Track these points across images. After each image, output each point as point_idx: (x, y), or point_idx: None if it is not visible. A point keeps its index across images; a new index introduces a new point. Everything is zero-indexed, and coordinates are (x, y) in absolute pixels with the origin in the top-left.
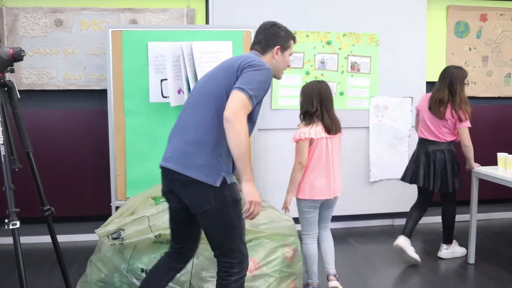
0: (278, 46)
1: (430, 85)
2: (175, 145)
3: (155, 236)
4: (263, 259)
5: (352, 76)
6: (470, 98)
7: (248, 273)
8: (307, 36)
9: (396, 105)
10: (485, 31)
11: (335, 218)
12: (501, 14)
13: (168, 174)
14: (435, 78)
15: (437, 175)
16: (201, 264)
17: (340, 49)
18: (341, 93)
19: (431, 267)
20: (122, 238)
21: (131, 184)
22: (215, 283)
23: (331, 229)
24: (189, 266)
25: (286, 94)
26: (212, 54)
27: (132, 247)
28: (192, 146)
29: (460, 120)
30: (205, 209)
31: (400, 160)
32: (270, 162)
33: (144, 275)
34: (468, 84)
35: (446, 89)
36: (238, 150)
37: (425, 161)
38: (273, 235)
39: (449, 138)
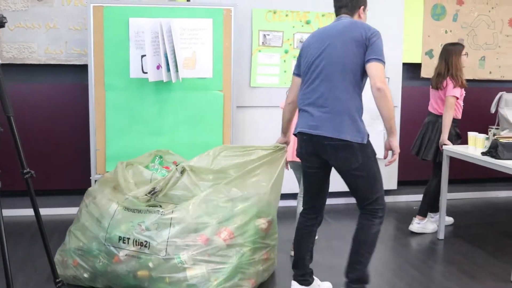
0: (362, 6)
1: (406, 66)
2: (318, 114)
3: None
4: (237, 230)
5: None
6: None
7: (222, 242)
8: (286, 15)
9: None
10: (461, 15)
11: None
12: None
13: (315, 140)
14: (411, 59)
15: (423, 143)
16: (177, 233)
17: (318, 28)
18: None
19: (401, 242)
20: (157, 193)
21: (110, 158)
22: (191, 250)
23: None
24: (165, 235)
25: (265, 72)
26: (193, 31)
27: (111, 216)
28: (340, 113)
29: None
30: (355, 167)
31: (376, 139)
32: (248, 139)
33: (122, 243)
34: (467, 55)
35: (443, 62)
36: (390, 113)
37: (421, 131)
38: (249, 207)
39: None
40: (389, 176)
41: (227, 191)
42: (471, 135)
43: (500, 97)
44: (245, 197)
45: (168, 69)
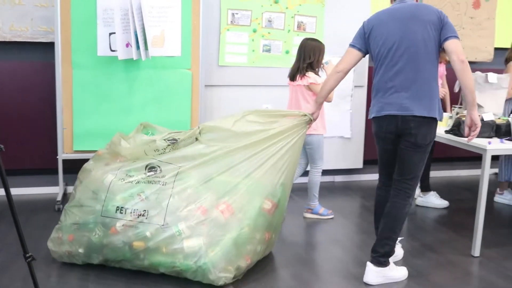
0: None
1: None
2: (407, 95)
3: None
4: (238, 205)
5: (298, 35)
6: None
7: (220, 214)
8: None
9: None
10: None
11: None
12: None
13: (401, 120)
14: None
15: None
16: (176, 203)
17: (287, 8)
18: (287, 52)
19: (366, 218)
20: (176, 142)
21: (78, 138)
22: (189, 221)
23: None
24: (164, 204)
25: (233, 51)
26: (161, 9)
27: (107, 188)
28: (426, 93)
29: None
30: (428, 142)
31: (342, 118)
32: (216, 118)
33: (119, 213)
34: None
35: None
36: (472, 85)
37: None
38: (255, 185)
39: None
40: (355, 156)
41: (235, 164)
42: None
43: None
44: (251, 173)
45: (138, 47)
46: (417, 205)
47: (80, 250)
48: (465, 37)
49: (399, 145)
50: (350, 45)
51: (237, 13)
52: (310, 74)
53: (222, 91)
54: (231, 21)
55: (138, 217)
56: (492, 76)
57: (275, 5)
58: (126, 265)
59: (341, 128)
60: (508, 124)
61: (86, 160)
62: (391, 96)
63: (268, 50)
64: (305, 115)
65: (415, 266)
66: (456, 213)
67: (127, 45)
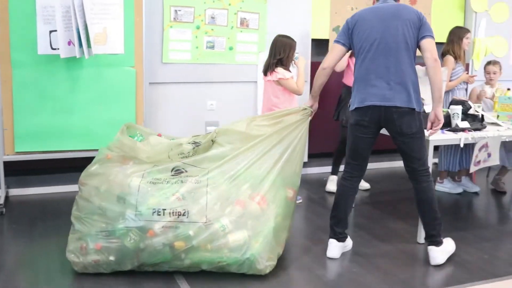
0: None
1: (315, 42)
2: (389, 86)
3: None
4: (269, 196)
5: (241, 31)
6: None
7: (257, 206)
8: None
9: None
10: None
11: None
12: None
13: (383, 110)
14: (320, 35)
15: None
16: (214, 200)
17: (230, 4)
18: (231, 48)
19: (314, 210)
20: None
21: (19, 139)
22: (231, 215)
23: None
24: (203, 202)
25: (177, 48)
26: (103, 6)
27: (136, 191)
28: (407, 85)
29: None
30: (414, 131)
31: None
32: (162, 116)
33: (156, 215)
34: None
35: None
36: (441, 83)
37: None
38: (277, 175)
39: None
40: None
41: (257, 159)
42: None
43: None
44: (273, 165)
45: (80, 45)
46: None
47: (111, 258)
48: None
49: (392, 139)
50: (334, 41)
51: (180, 10)
52: (279, 69)
53: (167, 88)
54: (174, 18)
55: (178, 217)
56: None
57: (218, 1)
58: (164, 267)
59: None
60: (448, 115)
61: (29, 162)
62: (373, 87)
63: (212, 47)
64: (305, 108)
65: (365, 255)
66: (401, 202)
67: (69, 43)
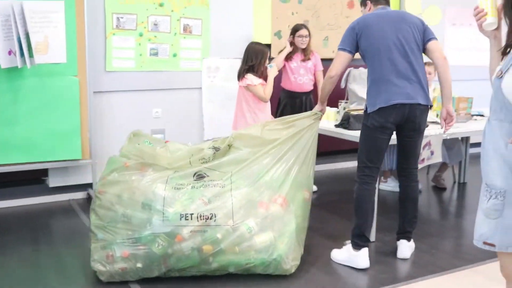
0: None
1: None
2: (410, 85)
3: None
4: (289, 197)
5: (184, 38)
6: None
7: (280, 207)
8: None
9: (227, 66)
10: None
11: None
12: None
13: (408, 108)
14: (262, 40)
15: None
16: (238, 202)
17: (172, 11)
18: (174, 55)
19: None
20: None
21: None
22: (256, 217)
23: None
24: (229, 205)
25: (120, 56)
26: (44, 14)
27: (162, 197)
28: (423, 83)
29: None
30: (425, 126)
31: (231, 120)
32: (107, 125)
33: (184, 220)
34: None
35: None
36: (451, 80)
37: None
38: (294, 177)
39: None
40: None
41: (275, 162)
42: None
43: (348, 73)
44: (290, 168)
45: (22, 54)
46: None
47: (139, 265)
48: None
49: (401, 137)
50: (340, 48)
51: (122, 17)
52: (249, 75)
53: (111, 97)
54: (117, 25)
55: (206, 221)
56: None
57: (160, 8)
58: (191, 271)
59: (230, 128)
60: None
61: None
62: (396, 87)
63: (156, 54)
64: (316, 113)
65: (320, 256)
66: (348, 203)
67: (10, 52)
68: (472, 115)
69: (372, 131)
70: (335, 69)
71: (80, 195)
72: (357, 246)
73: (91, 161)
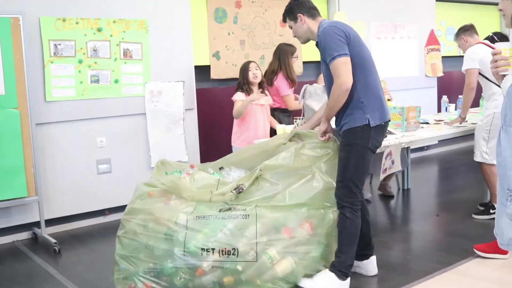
0: None
1: (198, 69)
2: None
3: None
4: (317, 221)
5: (125, 63)
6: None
7: (305, 233)
8: (77, 23)
9: (169, 89)
10: (241, 17)
11: None
12: (252, 1)
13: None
14: (201, 62)
15: None
16: (261, 231)
17: (111, 36)
18: (116, 81)
19: None
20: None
21: None
22: (278, 245)
23: None
24: (252, 236)
25: (60, 85)
26: None
27: (184, 228)
28: None
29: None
30: None
31: (177, 143)
32: (50, 159)
33: (205, 254)
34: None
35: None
36: None
37: None
38: (324, 200)
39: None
40: None
41: (304, 186)
42: (279, 127)
43: (304, 90)
44: (318, 192)
45: None
46: None
47: None
48: None
49: None
50: (339, 55)
51: (59, 44)
52: (236, 93)
53: (52, 128)
54: (54, 53)
55: (228, 256)
56: None
57: (99, 33)
58: None
59: (177, 152)
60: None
61: None
62: (383, 101)
63: (97, 81)
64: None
65: None
66: None
67: None
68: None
69: (370, 153)
70: (349, 79)
71: (25, 235)
72: (345, 277)
73: (37, 198)
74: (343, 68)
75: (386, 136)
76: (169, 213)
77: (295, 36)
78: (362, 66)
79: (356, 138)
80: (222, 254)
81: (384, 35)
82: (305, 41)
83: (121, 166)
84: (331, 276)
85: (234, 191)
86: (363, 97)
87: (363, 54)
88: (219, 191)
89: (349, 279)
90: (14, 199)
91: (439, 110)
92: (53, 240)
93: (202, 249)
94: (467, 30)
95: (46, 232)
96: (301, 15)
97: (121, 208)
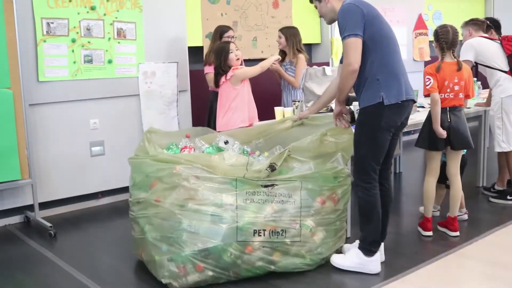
0: None
1: (191, 49)
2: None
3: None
4: (341, 195)
5: (119, 43)
6: None
7: (333, 204)
8: (70, 1)
9: (163, 70)
10: None
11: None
12: None
13: (410, 106)
14: (195, 43)
15: None
16: (302, 202)
17: (105, 15)
18: (110, 61)
19: None
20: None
21: None
22: (314, 216)
23: None
24: (297, 208)
25: (52, 65)
26: None
27: (233, 208)
28: None
29: None
30: None
31: (170, 125)
32: (42, 141)
33: (257, 236)
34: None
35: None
36: None
37: None
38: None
39: None
40: None
41: (330, 165)
42: (278, 109)
43: (305, 72)
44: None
45: None
46: None
47: (210, 273)
48: (270, 35)
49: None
50: (353, 35)
51: (52, 23)
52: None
53: (45, 109)
54: (47, 32)
55: (277, 237)
56: (328, 69)
57: (92, 12)
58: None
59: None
60: (352, 111)
61: None
62: (406, 79)
63: (90, 61)
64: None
65: None
66: None
67: None
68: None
69: (384, 132)
70: (356, 60)
71: (17, 219)
72: (370, 253)
73: (31, 180)
74: (352, 49)
75: (407, 116)
76: (212, 193)
77: (320, 16)
78: (380, 44)
79: (369, 116)
80: (272, 235)
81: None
82: (330, 21)
83: (115, 148)
84: (358, 253)
85: (268, 169)
86: (379, 75)
87: (383, 32)
88: (254, 168)
89: (377, 254)
90: (7, 182)
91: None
92: (49, 224)
93: (254, 230)
94: (476, 24)
95: (39, 216)
96: None
97: (115, 191)
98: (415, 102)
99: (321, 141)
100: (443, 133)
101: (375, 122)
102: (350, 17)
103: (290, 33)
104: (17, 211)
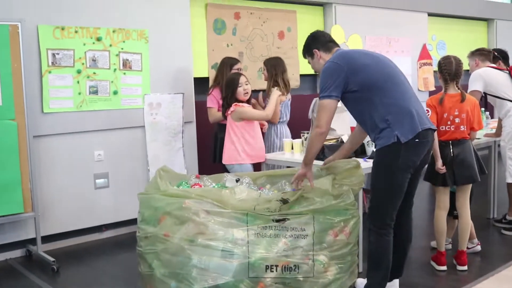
0: None
1: (197, 80)
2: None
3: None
4: (351, 229)
5: (124, 74)
6: None
7: (345, 238)
8: (76, 31)
9: (168, 102)
10: (239, 28)
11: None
12: (251, 13)
13: (431, 137)
14: (200, 74)
15: None
16: (315, 237)
17: (111, 45)
18: (115, 92)
19: None
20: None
21: None
22: (326, 250)
23: None
24: (309, 242)
25: (58, 96)
26: None
27: (244, 243)
28: None
29: None
30: None
31: (175, 157)
32: (45, 173)
33: (269, 272)
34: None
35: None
36: None
37: None
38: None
39: None
40: None
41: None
42: (287, 141)
43: (314, 103)
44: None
45: None
46: None
47: None
48: None
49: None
50: (328, 97)
51: (58, 53)
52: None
53: (49, 141)
54: (52, 62)
55: (290, 272)
56: None
57: (98, 42)
58: None
59: (176, 166)
60: (362, 144)
61: None
62: (418, 109)
63: (95, 92)
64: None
65: None
66: None
67: None
68: None
69: (402, 172)
70: (326, 123)
71: (18, 252)
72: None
73: (33, 214)
74: (324, 112)
75: (426, 153)
76: (222, 227)
77: (316, 72)
78: (376, 87)
79: (385, 156)
80: (285, 271)
81: (379, 48)
82: None
83: (119, 180)
84: None
85: (279, 201)
86: (387, 115)
87: (374, 76)
88: (264, 198)
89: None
90: (9, 215)
91: None
92: (51, 258)
93: (266, 266)
94: (483, 54)
95: (41, 250)
96: (317, 50)
97: (119, 224)
98: (435, 130)
99: (333, 186)
100: (442, 168)
101: (392, 162)
102: (328, 78)
103: (270, 64)
104: (19, 245)
